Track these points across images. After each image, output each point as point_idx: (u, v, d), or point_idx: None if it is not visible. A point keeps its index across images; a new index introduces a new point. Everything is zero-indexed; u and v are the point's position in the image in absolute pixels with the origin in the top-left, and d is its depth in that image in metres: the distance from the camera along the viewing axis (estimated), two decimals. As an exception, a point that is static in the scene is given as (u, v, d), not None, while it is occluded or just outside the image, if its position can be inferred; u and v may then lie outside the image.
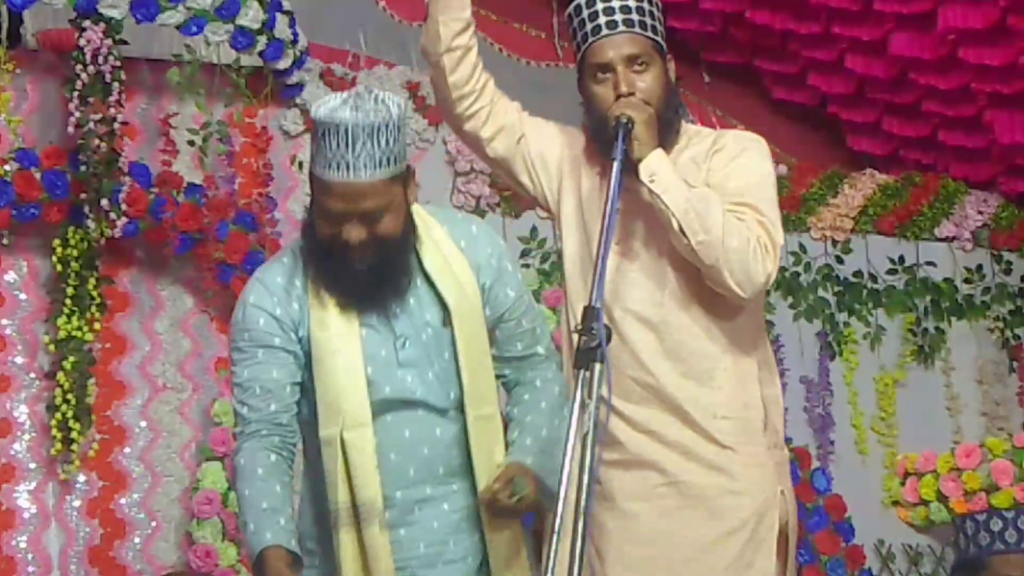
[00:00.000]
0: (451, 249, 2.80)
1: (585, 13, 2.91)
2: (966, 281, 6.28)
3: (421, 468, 2.72)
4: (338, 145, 2.57)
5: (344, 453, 2.67)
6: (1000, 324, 6.29)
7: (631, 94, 2.85)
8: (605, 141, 2.81)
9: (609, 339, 2.51)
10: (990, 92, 5.76)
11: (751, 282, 2.79)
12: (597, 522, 2.82)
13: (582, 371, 2.49)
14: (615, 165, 2.70)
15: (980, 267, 6.31)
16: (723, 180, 2.88)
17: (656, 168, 2.79)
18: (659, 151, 2.81)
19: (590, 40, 2.90)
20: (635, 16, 2.89)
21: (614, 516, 2.86)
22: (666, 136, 2.88)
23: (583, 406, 2.45)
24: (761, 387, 2.94)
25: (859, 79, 5.99)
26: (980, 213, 6.30)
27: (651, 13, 2.92)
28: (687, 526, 2.84)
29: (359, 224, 2.62)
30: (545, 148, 3.06)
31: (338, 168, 2.58)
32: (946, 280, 6.24)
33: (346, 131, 2.57)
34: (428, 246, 2.77)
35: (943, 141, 6.19)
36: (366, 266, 2.66)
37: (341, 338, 2.70)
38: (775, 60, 6.15)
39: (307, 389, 2.76)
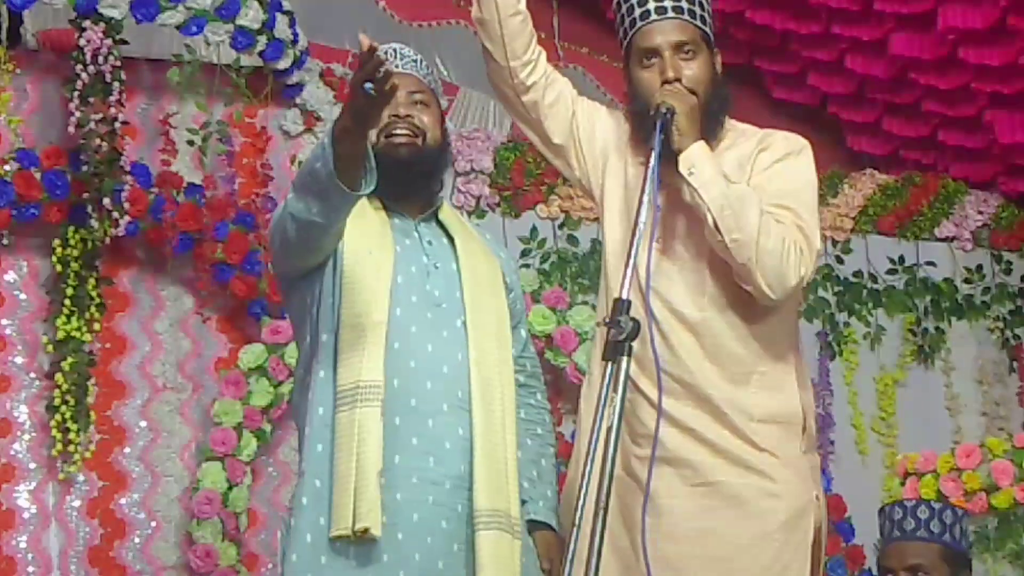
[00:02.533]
0: (473, 228, 3.04)
1: None
2: (966, 281, 6.28)
3: (439, 384, 2.76)
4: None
5: (365, 337, 2.73)
6: (1000, 324, 6.28)
7: (677, 79, 2.82)
8: (648, 129, 2.77)
9: (637, 333, 2.49)
10: (990, 92, 5.77)
11: (782, 284, 2.76)
12: (633, 517, 2.78)
13: (609, 364, 2.47)
14: (652, 156, 2.67)
15: (980, 267, 6.30)
16: (765, 181, 2.86)
17: (696, 161, 2.75)
18: (700, 144, 2.77)
19: (638, 25, 2.87)
20: (684, 3, 2.86)
21: (650, 512, 2.79)
22: (709, 127, 2.84)
23: (609, 400, 2.44)
24: (799, 391, 2.92)
25: (859, 79, 5.99)
26: (980, 213, 6.30)
27: (700, 3, 2.90)
28: (724, 525, 2.81)
29: (406, 103, 2.86)
30: (593, 129, 3.02)
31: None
32: (946, 280, 6.24)
33: (395, 50, 2.93)
34: (448, 211, 2.99)
35: (943, 141, 6.19)
36: (412, 156, 2.84)
37: (375, 240, 2.80)
38: (775, 60, 6.15)
39: (330, 293, 2.80)
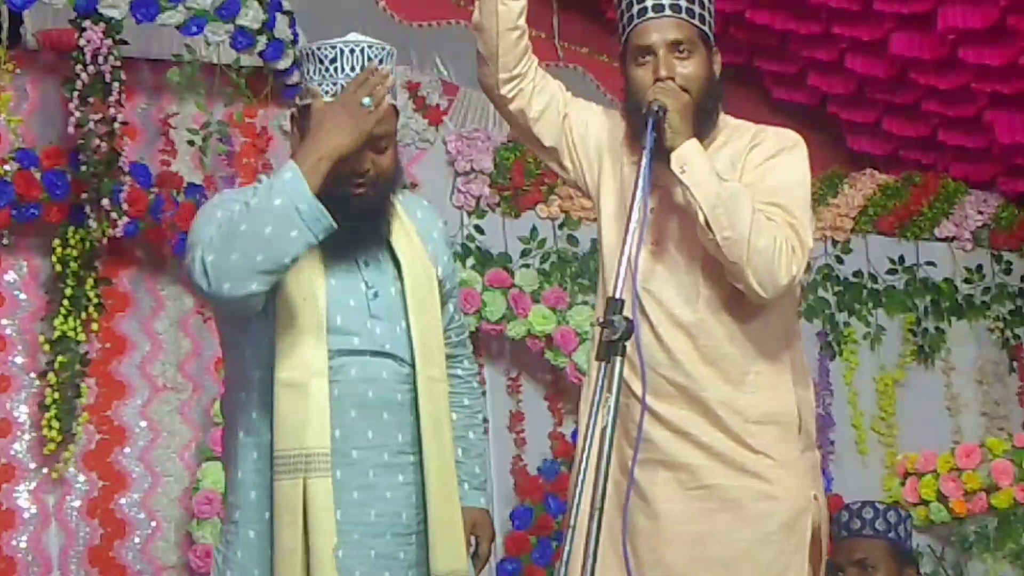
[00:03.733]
0: (406, 218, 2.81)
1: None
2: (966, 281, 6.29)
3: (380, 432, 2.65)
4: (352, 67, 2.63)
5: (307, 394, 2.57)
6: (1000, 324, 6.29)
7: (670, 78, 2.81)
8: (640, 127, 2.77)
9: (630, 334, 2.48)
10: (990, 92, 5.77)
11: (773, 283, 2.75)
12: (629, 521, 2.78)
13: (603, 364, 2.47)
14: (644, 154, 2.66)
15: (980, 267, 6.31)
16: (757, 177, 2.85)
17: (688, 158, 2.74)
18: (693, 141, 2.76)
19: (635, 22, 2.86)
20: (683, 2, 2.85)
21: (647, 516, 2.82)
22: (702, 126, 2.83)
23: (603, 400, 2.44)
24: (795, 390, 2.91)
25: (859, 79, 6.00)
26: (980, 213, 6.30)
27: (700, 2, 2.88)
28: (722, 529, 2.81)
29: (373, 150, 2.63)
30: (587, 130, 3.01)
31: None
32: (946, 280, 6.24)
33: (362, 51, 2.64)
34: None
35: (943, 141, 6.20)
36: (366, 204, 2.65)
37: (308, 284, 2.63)
38: (775, 60, 6.15)
39: (261, 333, 2.63)
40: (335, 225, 2.49)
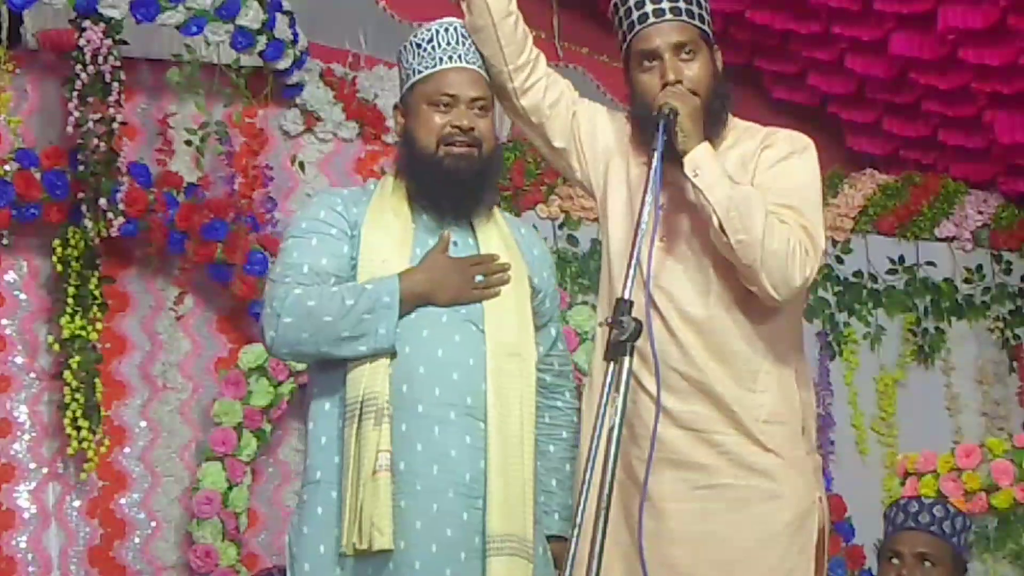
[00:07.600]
0: (507, 228, 2.94)
1: (632, 1, 2.87)
2: (966, 281, 6.28)
3: (448, 391, 2.71)
4: (448, 43, 2.83)
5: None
6: (1000, 324, 6.29)
7: (678, 82, 2.81)
8: (649, 131, 2.76)
9: (639, 334, 2.49)
10: (990, 92, 5.77)
11: (787, 285, 2.75)
12: (634, 519, 2.75)
13: (611, 364, 2.47)
14: (655, 157, 2.66)
15: (980, 267, 6.31)
16: (769, 179, 2.85)
17: (701, 162, 2.74)
18: (705, 145, 2.76)
19: (637, 28, 2.85)
20: (683, 4, 2.85)
21: (652, 515, 2.78)
22: (712, 127, 2.83)
23: (611, 400, 2.44)
24: (799, 391, 2.91)
25: (859, 79, 5.99)
26: (980, 213, 6.30)
27: (698, 2, 2.89)
28: (729, 529, 2.79)
29: (467, 112, 2.81)
30: (594, 131, 3.02)
31: (450, 60, 2.83)
32: (946, 280, 6.24)
33: (455, 29, 2.86)
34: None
35: (943, 141, 6.19)
36: (471, 165, 2.80)
37: (392, 249, 2.78)
38: (775, 60, 6.15)
39: None
40: (395, 353, 2.70)
